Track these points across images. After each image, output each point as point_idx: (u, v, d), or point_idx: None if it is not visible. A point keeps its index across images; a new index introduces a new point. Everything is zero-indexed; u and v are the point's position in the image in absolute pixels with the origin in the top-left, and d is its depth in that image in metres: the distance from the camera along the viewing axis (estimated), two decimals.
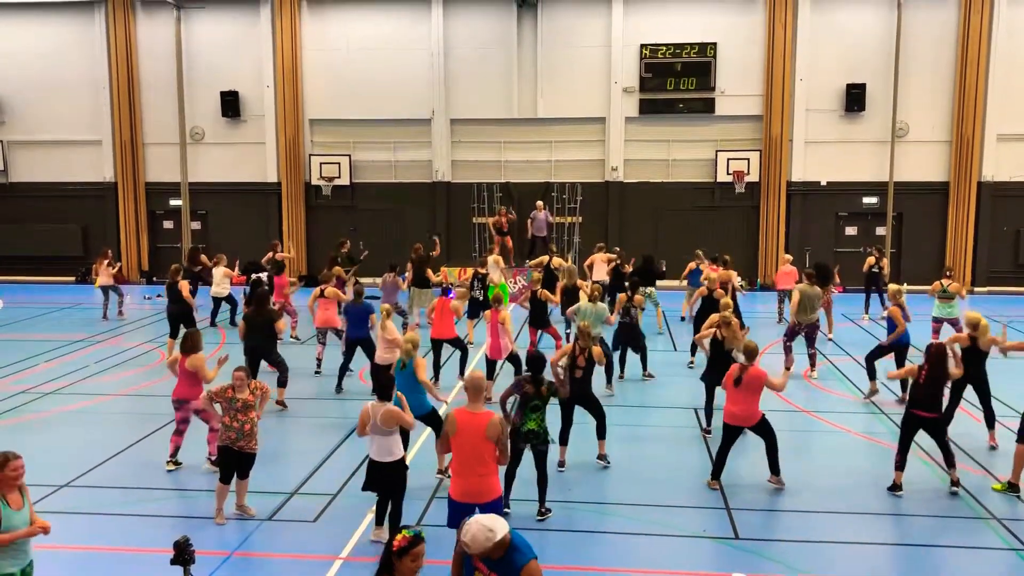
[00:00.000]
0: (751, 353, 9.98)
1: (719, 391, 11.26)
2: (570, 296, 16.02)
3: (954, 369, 10.66)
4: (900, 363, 13.23)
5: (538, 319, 15.60)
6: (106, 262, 20.60)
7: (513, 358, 13.70)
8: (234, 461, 8.98)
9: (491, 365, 13.63)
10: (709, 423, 12.00)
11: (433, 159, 26.37)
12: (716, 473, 10.06)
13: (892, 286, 14.04)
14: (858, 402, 13.65)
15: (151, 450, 11.28)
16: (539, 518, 9.03)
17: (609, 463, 10.70)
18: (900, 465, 9.95)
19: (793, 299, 15.08)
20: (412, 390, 9.81)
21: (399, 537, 4.83)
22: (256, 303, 13.44)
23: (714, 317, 12.22)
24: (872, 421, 12.78)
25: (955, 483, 9.89)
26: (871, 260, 20.42)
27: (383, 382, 8.45)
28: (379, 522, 8.50)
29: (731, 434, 9.99)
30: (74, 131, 27.13)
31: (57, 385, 14.62)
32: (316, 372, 15.14)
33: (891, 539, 9.04)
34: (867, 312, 20.66)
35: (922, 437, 10.18)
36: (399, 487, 8.32)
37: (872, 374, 13.58)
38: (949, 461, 9.92)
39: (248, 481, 9.18)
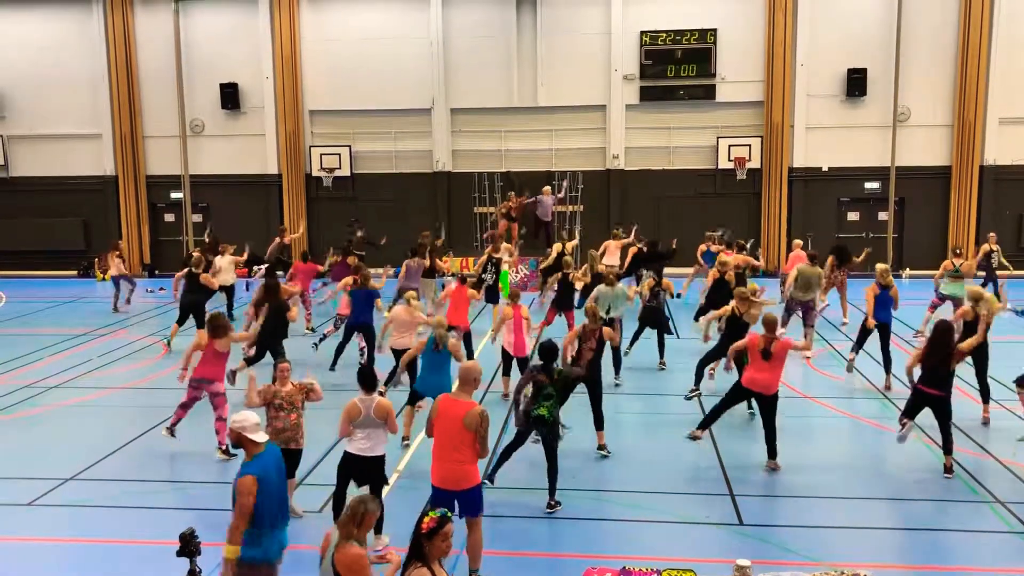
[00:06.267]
0: (771, 325, 10.03)
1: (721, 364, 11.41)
2: (594, 283, 16.02)
3: (971, 340, 10.31)
4: (885, 342, 13.35)
5: (563, 301, 15.64)
6: (117, 253, 20.79)
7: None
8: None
9: (509, 361, 13.00)
10: (698, 385, 12.26)
11: (434, 149, 26.31)
12: (705, 424, 10.07)
13: (880, 265, 13.87)
14: (860, 387, 13.62)
15: (156, 443, 11.28)
16: (548, 510, 8.97)
17: (609, 453, 10.64)
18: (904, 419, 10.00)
19: (790, 276, 15.39)
20: (439, 371, 9.75)
21: (427, 519, 4.99)
22: (265, 292, 13.59)
23: (726, 309, 12.39)
24: (876, 406, 12.77)
25: (948, 469, 9.87)
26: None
27: (366, 375, 8.29)
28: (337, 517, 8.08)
29: (740, 395, 10.02)
30: (74, 125, 27.10)
31: (61, 379, 14.64)
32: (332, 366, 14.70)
33: (895, 523, 9.05)
34: None
35: (926, 419, 10.14)
36: (383, 481, 8.27)
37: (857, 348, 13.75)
38: (947, 446, 9.85)
39: (295, 480, 8.92)
